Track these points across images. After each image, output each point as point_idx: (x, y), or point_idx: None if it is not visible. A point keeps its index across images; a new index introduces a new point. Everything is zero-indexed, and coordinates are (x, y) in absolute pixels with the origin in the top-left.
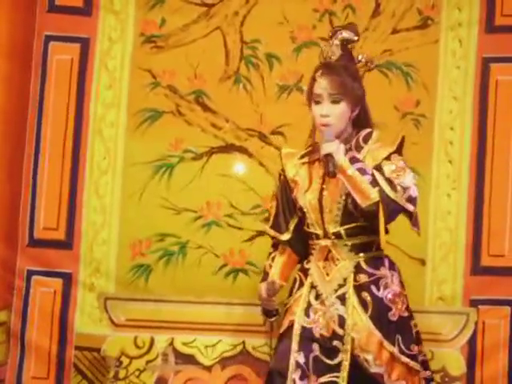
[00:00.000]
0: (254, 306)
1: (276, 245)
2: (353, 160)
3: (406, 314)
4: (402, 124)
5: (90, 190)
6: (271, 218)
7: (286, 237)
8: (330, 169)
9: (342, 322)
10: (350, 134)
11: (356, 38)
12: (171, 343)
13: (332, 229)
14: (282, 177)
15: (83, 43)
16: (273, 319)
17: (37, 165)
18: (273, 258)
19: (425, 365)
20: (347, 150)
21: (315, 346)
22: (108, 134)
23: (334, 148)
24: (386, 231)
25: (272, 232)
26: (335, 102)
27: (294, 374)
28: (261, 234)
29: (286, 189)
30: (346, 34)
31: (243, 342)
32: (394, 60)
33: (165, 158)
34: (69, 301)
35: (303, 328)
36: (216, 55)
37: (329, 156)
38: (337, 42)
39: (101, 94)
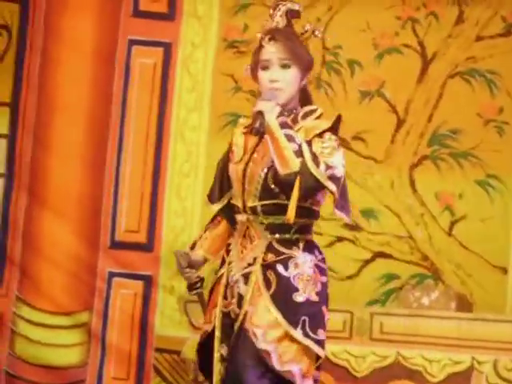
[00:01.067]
0: (334, 312)
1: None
2: (283, 125)
3: (315, 299)
4: (485, 131)
5: (171, 193)
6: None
7: (216, 207)
8: (255, 125)
9: (240, 301)
10: (295, 106)
11: (299, 9)
12: None
13: (250, 203)
14: (228, 146)
15: (166, 47)
16: (194, 292)
17: (119, 168)
18: (206, 229)
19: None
20: (281, 115)
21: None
22: (190, 137)
23: (268, 107)
24: (314, 214)
25: (206, 200)
26: (285, 66)
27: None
28: (340, 239)
29: (225, 158)
30: (289, 5)
31: None
32: (478, 67)
33: None
34: (149, 303)
35: (223, 314)
36: None
37: (260, 114)
38: (280, 13)
39: (183, 97)
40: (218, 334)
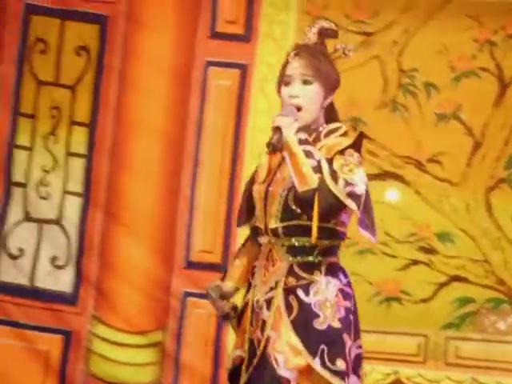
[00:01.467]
0: (408, 336)
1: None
2: (302, 141)
3: (337, 326)
4: None
5: None
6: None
7: (244, 229)
8: (272, 141)
9: (263, 327)
10: (319, 125)
11: (334, 28)
12: None
13: (271, 224)
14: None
15: (242, 69)
16: (227, 322)
17: (194, 188)
18: (237, 256)
19: None
20: (301, 131)
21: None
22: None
23: (286, 122)
24: (339, 235)
25: (236, 223)
26: (307, 82)
27: None
28: (415, 262)
29: (251, 180)
30: (324, 23)
31: (396, 372)
32: None
33: None
34: (223, 323)
35: (250, 341)
36: (373, 83)
37: (277, 129)
38: (314, 30)
39: (258, 119)
40: (245, 361)
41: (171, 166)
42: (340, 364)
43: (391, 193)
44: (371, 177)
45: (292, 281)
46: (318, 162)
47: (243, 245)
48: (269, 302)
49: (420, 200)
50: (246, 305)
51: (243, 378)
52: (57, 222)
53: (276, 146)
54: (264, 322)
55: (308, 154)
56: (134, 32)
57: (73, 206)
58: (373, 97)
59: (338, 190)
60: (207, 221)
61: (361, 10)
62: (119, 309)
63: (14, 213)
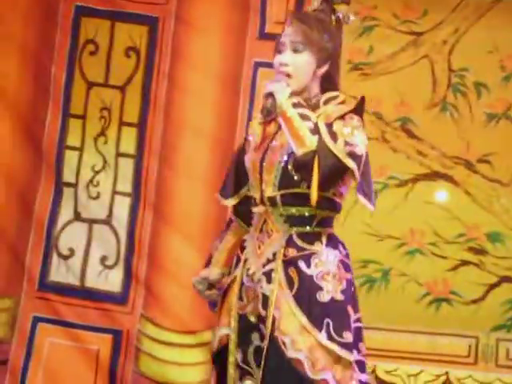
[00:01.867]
0: (459, 337)
1: (230, 221)
2: (296, 105)
3: (341, 298)
4: None
5: None
6: (223, 185)
7: (231, 201)
8: (266, 106)
9: (265, 301)
10: (314, 94)
11: None
12: (373, 371)
13: (268, 193)
14: (243, 140)
15: None
16: (216, 309)
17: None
18: (222, 238)
19: (361, 366)
20: (294, 95)
21: (254, 336)
22: None
23: (278, 87)
24: (336, 206)
25: (218, 196)
26: (297, 50)
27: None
28: (465, 263)
29: (240, 150)
30: None
31: (447, 373)
32: None
33: None
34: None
35: (239, 316)
36: (423, 83)
37: (270, 96)
38: None
39: None
40: (233, 337)
41: (219, 167)
42: (347, 336)
43: (441, 193)
44: (420, 177)
45: (292, 252)
46: (315, 123)
47: (226, 226)
48: (269, 275)
49: (470, 200)
50: (233, 280)
51: (232, 356)
52: (107, 221)
53: (271, 111)
54: (266, 297)
55: (303, 117)
56: (183, 33)
57: (122, 205)
58: (422, 97)
59: (338, 149)
60: None
61: (410, 10)
62: (168, 308)
63: (65, 213)
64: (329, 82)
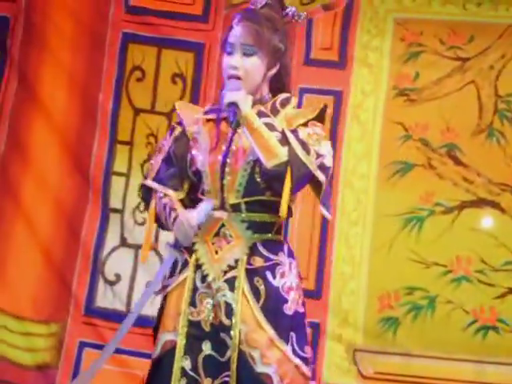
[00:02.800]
0: (506, 365)
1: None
2: (260, 114)
3: (302, 310)
4: None
5: (339, 241)
6: (153, 173)
7: (179, 195)
8: (232, 118)
9: (229, 310)
10: (264, 96)
11: None
12: None
13: (232, 200)
14: (177, 130)
15: (336, 96)
16: (177, 254)
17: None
18: (161, 197)
19: (313, 373)
20: (255, 104)
21: (206, 345)
22: (359, 185)
23: (240, 97)
24: (291, 212)
25: (160, 187)
26: (247, 54)
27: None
28: None
29: (183, 144)
30: None
31: None
32: None
33: (415, 211)
34: (316, 351)
35: (190, 322)
36: (469, 109)
37: (233, 105)
38: None
39: (352, 145)
40: (180, 343)
41: None
42: (308, 351)
43: (487, 220)
44: (467, 204)
45: (259, 261)
46: (282, 133)
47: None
48: (231, 283)
49: None
50: (180, 283)
51: (178, 363)
52: (152, 247)
53: (239, 123)
54: (229, 306)
55: (270, 127)
56: None
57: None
58: (469, 123)
59: (310, 161)
60: (301, 247)
61: (456, 36)
62: None
63: (111, 239)
64: (278, 82)
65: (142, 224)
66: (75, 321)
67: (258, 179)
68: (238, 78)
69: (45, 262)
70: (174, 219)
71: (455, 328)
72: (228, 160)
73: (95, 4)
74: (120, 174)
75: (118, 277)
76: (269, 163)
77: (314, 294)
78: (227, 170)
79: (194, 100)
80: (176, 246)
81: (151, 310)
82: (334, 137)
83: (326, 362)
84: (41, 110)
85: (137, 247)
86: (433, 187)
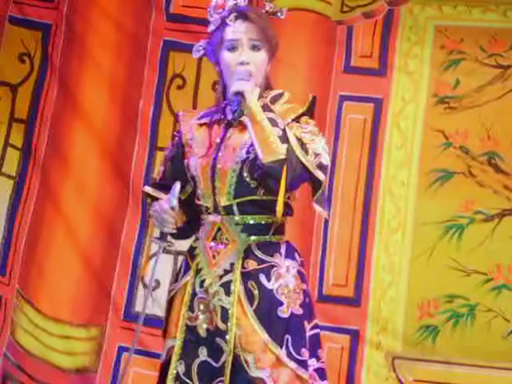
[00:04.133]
0: None
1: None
2: (265, 108)
3: (299, 312)
4: None
5: (379, 248)
6: (153, 182)
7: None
8: (236, 109)
9: (224, 315)
10: (262, 91)
11: None
12: None
13: (224, 202)
14: (176, 139)
15: (376, 103)
16: (165, 244)
17: (327, 221)
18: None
19: (321, 373)
20: (259, 98)
21: (202, 350)
22: (399, 193)
23: (248, 87)
24: (291, 210)
25: (156, 192)
26: (255, 48)
27: None
28: None
29: (178, 153)
30: None
31: None
32: None
33: (455, 219)
34: (356, 358)
35: (187, 327)
36: (510, 117)
37: (239, 95)
38: None
39: (392, 153)
40: (177, 348)
41: (304, 200)
42: (304, 353)
43: None
44: (507, 212)
45: (252, 264)
46: (283, 130)
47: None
48: (227, 287)
49: None
50: (181, 288)
51: (173, 368)
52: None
53: (241, 114)
54: (225, 310)
55: (273, 122)
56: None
57: None
58: (509, 131)
59: (308, 161)
60: (340, 254)
61: (497, 43)
62: None
63: (151, 244)
64: (267, 79)
65: None
66: (114, 325)
67: (248, 179)
68: (250, 74)
69: (84, 266)
70: (152, 211)
71: (495, 336)
72: (217, 162)
73: (137, 12)
74: None
75: (158, 283)
76: (265, 159)
77: (354, 301)
78: (217, 172)
79: None
80: (161, 238)
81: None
82: (373, 144)
83: (364, 369)
84: (81, 116)
85: (176, 253)
86: (473, 195)
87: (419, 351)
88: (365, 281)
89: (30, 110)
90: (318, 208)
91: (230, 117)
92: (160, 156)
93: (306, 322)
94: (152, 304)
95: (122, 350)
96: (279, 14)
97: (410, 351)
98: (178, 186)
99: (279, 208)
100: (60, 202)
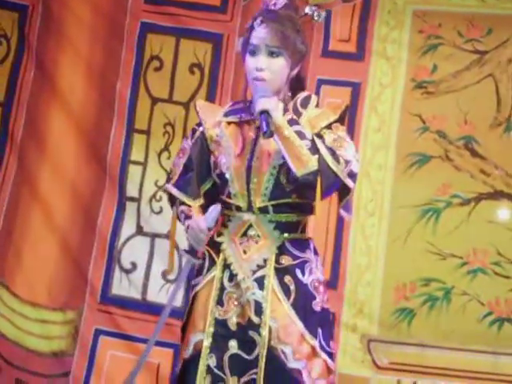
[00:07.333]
0: None
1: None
2: (291, 122)
3: (327, 307)
4: None
5: (356, 232)
6: (176, 177)
7: (197, 203)
8: (265, 128)
9: (258, 308)
10: (286, 96)
11: None
12: None
13: (259, 203)
14: (198, 133)
15: (354, 87)
16: (196, 261)
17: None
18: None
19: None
20: (284, 111)
21: (232, 343)
22: (376, 176)
23: (273, 104)
24: (314, 211)
25: (180, 195)
26: (273, 54)
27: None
28: None
29: (202, 148)
30: None
31: None
32: None
33: (432, 203)
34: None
35: (216, 321)
36: (487, 102)
37: (265, 113)
38: None
39: (369, 136)
40: (207, 341)
41: None
42: (333, 346)
43: (504, 212)
44: (484, 196)
45: (288, 260)
46: (312, 141)
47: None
48: (260, 282)
49: None
50: (207, 283)
51: (204, 361)
52: (169, 236)
53: (272, 132)
54: (259, 304)
55: (300, 135)
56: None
57: None
58: (486, 116)
59: (340, 170)
60: (317, 238)
61: (475, 28)
62: None
63: (127, 227)
64: (298, 82)
65: (159, 213)
66: (91, 308)
67: (284, 183)
68: (264, 80)
69: (61, 249)
70: (188, 226)
71: (470, 319)
72: (253, 164)
73: None
74: (137, 163)
75: (134, 265)
76: (299, 172)
77: (330, 284)
78: (253, 173)
79: (212, 90)
80: (191, 251)
81: (167, 299)
82: (351, 127)
83: (340, 351)
84: (58, 98)
85: (153, 236)
86: (450, 179)
87: (395, 334)
88: (341, 264)
89: (6, 92)
90: (343, 213)
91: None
92: (137, 138)
93: (331, 317)
94: (128, 286)
95: (98, 332)
96: (316, 17)
97: (385, 334)
98: (218, 208)
99: (316, 212)
100: (37, 185)
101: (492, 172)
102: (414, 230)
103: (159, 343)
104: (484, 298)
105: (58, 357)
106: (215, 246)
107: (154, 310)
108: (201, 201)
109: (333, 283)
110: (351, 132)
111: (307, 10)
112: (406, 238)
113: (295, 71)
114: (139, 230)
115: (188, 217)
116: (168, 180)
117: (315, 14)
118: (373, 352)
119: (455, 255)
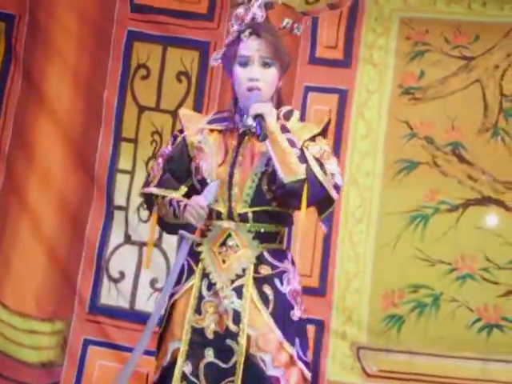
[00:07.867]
0: (511, 363)
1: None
2: (283, 129)
3: (304, 317)
4: None
5: (344, 238)
6: (156, 180)
7: (180, 193)
8: (259, 131)
9: (236, 317)
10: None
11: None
12: None
13: (239, 209)
14: (179, 138)
15: (341, 94)
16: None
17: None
18: (164, 197)
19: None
20: (277, 118)
21: (208, 352)
22: (363, 182)
23: (267, 109)
24: (293, 222)
25: (160, 191)
26: (266, 65)
27: None
28: None
29: (183, 153)
30: None
31: None
32: None
33: (420, 209)
34: (321, 348)
35: (193, 329)
36: (474, 108)
37: (259, 117)
38: (258, 4)
39: (357, 143)
40: (183, 349)
41: None
42: (309, 356)
43: (492, 218)
44: (472, 202)
45: (266, 269)
46: (301, 150)
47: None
48: (239, 291)
49: None
50: (185, 291)
51: (180, 368)
52: (156, 244)
53: (266, 135)
54: (237, 313)
55: (291, 143)
56: None
57: None
58: (474, 121)
59: (326, 181)
60: (305, 245)
61: (462, 35)
62: None
63: (115, 236)
64: (279, 95)
65: (147, 221)
66: (79, 318)
67: (266, 190)
68: (259, 89)
69: (49, 259)
70: (184, 206)
71: (459, 326)
72: (235, 170)
73: (100, 2)
74: (124, 172)
75: (122, 274)
76: (286, 178)
77: (319, 291)
78: (234, 180)
79: (199, 98)
80: (188, 231)
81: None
82: (339, 134)
83: (329, 359)
84: (46, 107)
85: (141, 244)
86: (438, 185)
87: (384, 341)
88: (330, 271)
89: None
90: (323, 226)
91: (241, 126)
92: (125, 147)
93: (307, 328)
94: (117, 295)
95: (87, 342)
96: (296, 30)
97: (374, 341)
98: (217, 183)
99: (302, 225)
100: (25, 195)
101: (479, 178)
102: (402, 237)
103: (148, 352)
104: (473, 304)
105: (47, 367)
106: (194, 256)
107: (143, 319)
108: (184, 189)
109: (321, 290)
110: (339, 139)
111: (284, 23)
112: (394, 245)
113: (281, 82)
114: (127, 239)
115: (180, 200)
116: (147, 184)
117: (294, 26)
118: (362, 359)
119: (443, 261)
